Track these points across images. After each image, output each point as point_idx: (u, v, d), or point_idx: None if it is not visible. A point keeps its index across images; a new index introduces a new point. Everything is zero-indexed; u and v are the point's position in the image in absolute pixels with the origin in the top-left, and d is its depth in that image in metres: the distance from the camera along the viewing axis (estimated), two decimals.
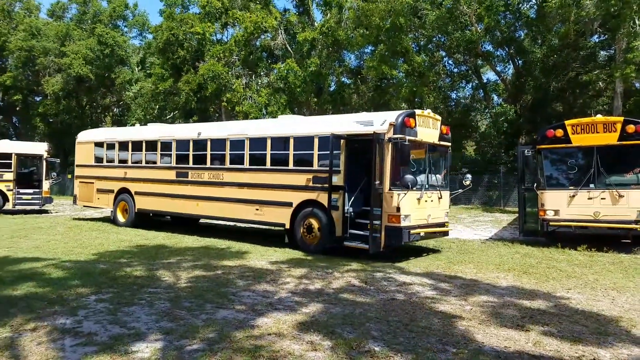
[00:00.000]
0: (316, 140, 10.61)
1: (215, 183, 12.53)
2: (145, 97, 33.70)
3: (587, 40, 23.02)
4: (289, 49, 29.06)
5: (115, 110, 43.51)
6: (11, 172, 18.70)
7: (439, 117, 10.81)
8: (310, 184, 10.61)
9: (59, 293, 6.57)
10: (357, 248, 9.89)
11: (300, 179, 10.83)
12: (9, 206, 18.81)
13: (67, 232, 13.51)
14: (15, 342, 4.74)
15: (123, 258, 9.41)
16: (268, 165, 11.52)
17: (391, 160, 9.39)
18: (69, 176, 34.16)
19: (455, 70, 29.84)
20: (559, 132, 11.77)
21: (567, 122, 11.88)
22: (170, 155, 13.76)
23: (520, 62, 26.50)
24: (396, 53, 25.37)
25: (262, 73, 29.99)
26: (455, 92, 31.22)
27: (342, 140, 10.18)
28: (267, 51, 30.80)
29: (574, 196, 11.34)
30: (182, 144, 13.51)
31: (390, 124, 9.50)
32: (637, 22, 20.37)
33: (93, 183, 15.95)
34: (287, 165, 11.18)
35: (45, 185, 19.41)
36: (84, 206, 16.87)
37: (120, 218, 15.10)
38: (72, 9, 43.55)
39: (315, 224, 10.55)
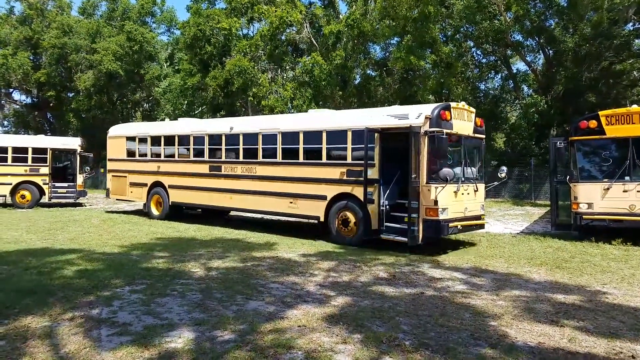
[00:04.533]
0: (349, 134, 10.70)
1: (249, 176, 12.76)
2: (174, 93, 34.14)
3: (621, 28, 22.21)
4: (314, 42, 28.99)
5: (145, 105, 44.27)
6: (47, 166, 19.26)
7: (474, 110, 10.84)
8: (345, 177, 10.75)
9: (94, 284, 6.76)
10: (394, 241, 9.96)
11: (334, 173, 10.96)
12: (45, 199, 19.40)
13: (101, 224, 13.87)
14: (54, 331, 4.90)
15: (155, 250, 9.62)
16: (301, 159, 11.67)
17: (428, 154, 9.38)
18: (102, 170, 35.03)
19: (484, 60, 29.25)
20: (593, 123, 11.43)
21: (601, 113, 11.52)
22: (203, 150, 13.99)
23: (551, 51, 25.79)
24: (423, 44, 25.00)
25: (287, 67, 30.02)
26: (484, 83, 30.61)
27: (376, 134, 10.18)
28: (292, 45, 30.78)
29: (608, 189, 11.01)
30: (215, 138, 13.73)
31: (426, 117, 9.49)
32: None
33: (126, 177, 16.27)
34: (320, 159, 11.30)
35: (79, 179, 19.93)
36: (117, 199, 17.11)
37: (154, 211, 15.42)
38: (102, 6, 44.39)
39: (351, 217, 10.67)
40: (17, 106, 47.14)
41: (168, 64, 42.08)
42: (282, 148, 12.06)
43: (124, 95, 42.28)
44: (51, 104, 42.45)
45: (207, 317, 5.38)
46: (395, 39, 27.90)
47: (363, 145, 10.24)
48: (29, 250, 9.34)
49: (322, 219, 11.24)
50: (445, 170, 9.37)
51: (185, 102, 34.51)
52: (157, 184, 15.23)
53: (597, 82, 24.22)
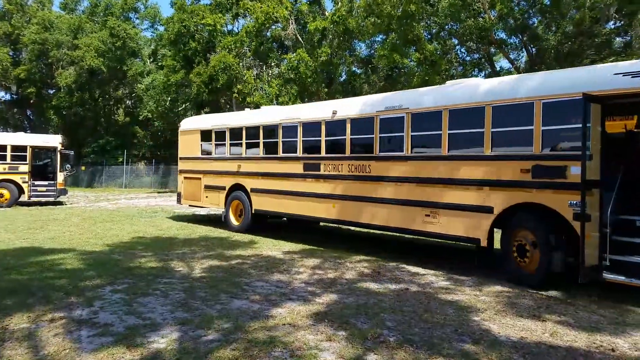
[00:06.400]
0: (538, 109, 6.85)
1: (360, 177, 9.33)
2: (157, 89, 33.79)
3: (602, 26, 22.56)
4: (300, 39, 28.92)
5: (127, 102, 43.77)
6: (26, 164, 18.89)
7: None
8: (528, 177, 6.87)
9: (75, 284, 6.65)
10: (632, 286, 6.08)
11: (507, 171, 7.15)
12: (24, 198, 19.04)
13: (82, 223, 13.66)
14: (34, 333, 4.80)
15: (137, 249, 9.50)
16: (445, 152, 7.96)
17: None
18: (83, 168, 34.55)
19: (468, 58, 29.51)
20: None
21: None
22: (295, 143, 10.83)
23: (533, 49, 26.09)
24: (408, 41, 25.12)
25: (272, 64, 29.91)
26: None
27: (592, 106, 6.29)
28: (277, 42, 30.68)
29: None
30: (311, 127, 10.52)
31: None
32: None
33: (200, 179, 13.47)
34: (480, 150, 7.52)
35: (60, 177, 19.59)
36: (190, 205, 14.38)
37: (233, 221, 12.45)
38: (84, 1, 43.88)
39: (533, 242, 6.87)
40: None
41: (151, 60, 41.62)
42: (411, 136, 8.50)
43: (106, 92, 41.75)
44: (31, 101, 41.72)
45: (191, 316, 5.33)
46: (381, 36, 28.00)
47: (559, 127, 6.78)
48: (7, 250, 9.15)
49: (483, 243, 7.41)
50: None
51: (169, 98, 34.21)
52: (237, 187, 12.26)
53: None
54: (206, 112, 33.37)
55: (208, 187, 13.17)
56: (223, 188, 12.64)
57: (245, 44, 27.99)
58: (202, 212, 17.27)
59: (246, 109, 14.67)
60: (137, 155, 38.63)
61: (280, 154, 11.16)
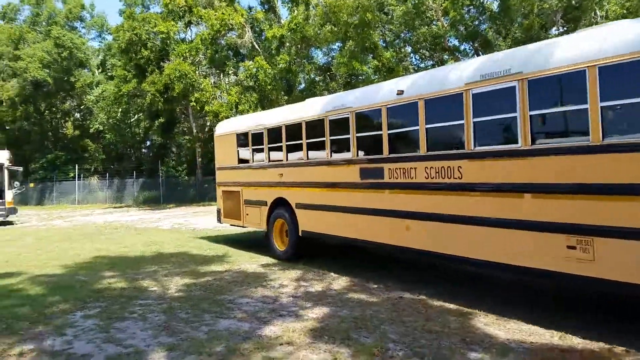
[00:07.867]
0: None
1: (446, 187, 6.15)
2: (108, 100, 32.49)
3: (549, 32, 23.53)
4: (257, 46, 28.58)
5: (76, 115, 41.86)
6: None
7: None
8: None
9: (40, 311, 6.05)
10: None
11: None
12: None
13: (37, 243, 12.73)
14: None
15: (103, 269, 8.85)
16: (598, 139, 4.61)
17: None
18: (32, 185, 32.65)
19: (422, 65, 30.09)
20: None
21: None
22: (347, 141, 7.81)
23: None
24: (365, 49, 25.34)
25: (230, 72, 29.40)
26: None
27: None
28: (233, 49, 30.20)
29: None
30: (368, 118, 7.59)
31: None
32: (598, 12, 20.99)
33: (239, 192, 10.83)
34: None
35: (9, 195, 18.32)
36: (232, 225, 11.56)
37: (277, 245, 9.69)
38: (25, 10, 41.71)
39: None
40: None
41: (100, 70, 40.08)
42: (530, 117, 5.17)
43: (53, 105, 39.80)
44: None
45: (177, 340, 4.90)
46: (338, 44, 28.13)
47: None
48: None
49: None
50: None
51: (120, 109, 32.97)
52: (280, 201, 9.50)
53: None
54: (161, 123, 32.41)
55: (248, 203, 10.54)
56: (264, 203, 9.91)
57: (200, 52, 27.37)
58: (165, 226, 16.51)
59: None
60: (89, 170, 36.91)
61: (330, 156, 8.25)
